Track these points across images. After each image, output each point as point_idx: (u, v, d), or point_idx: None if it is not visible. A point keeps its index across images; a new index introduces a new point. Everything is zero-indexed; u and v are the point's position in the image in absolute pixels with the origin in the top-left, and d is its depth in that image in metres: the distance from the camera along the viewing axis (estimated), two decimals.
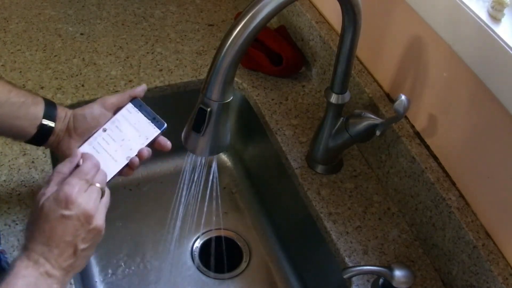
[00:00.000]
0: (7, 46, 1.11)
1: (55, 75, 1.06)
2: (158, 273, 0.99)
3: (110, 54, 1.12)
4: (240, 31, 0.61)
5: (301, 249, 1.01)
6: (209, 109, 0.66)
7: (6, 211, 0.83)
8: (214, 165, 0.80)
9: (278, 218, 1.07)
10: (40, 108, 0.75)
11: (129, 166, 0.75)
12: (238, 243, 1.05)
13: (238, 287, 1.00)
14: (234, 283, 1.00)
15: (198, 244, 1.04)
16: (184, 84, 1.08)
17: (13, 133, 0.76)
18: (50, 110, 0.76)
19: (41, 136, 0.75)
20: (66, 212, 0.62)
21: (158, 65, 1.10)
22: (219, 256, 1.00)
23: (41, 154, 0.91)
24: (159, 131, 0.77)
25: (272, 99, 1.06)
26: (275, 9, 0.62)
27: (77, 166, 0.69)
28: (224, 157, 1.18)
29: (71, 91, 1.03)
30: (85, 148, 0.75)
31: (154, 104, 1.10)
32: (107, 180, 0.72)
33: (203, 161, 0.76)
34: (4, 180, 0.87)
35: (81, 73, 1.07)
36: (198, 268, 1.01)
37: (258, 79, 1.10)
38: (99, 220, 0.65)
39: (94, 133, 0.76)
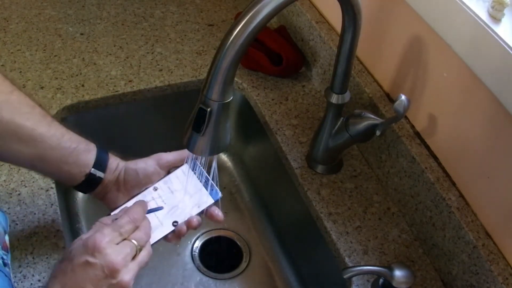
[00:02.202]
0: (7, 46, 1.11)
1: (55, 75, 1.06)
2: (158, 273, 0.99)
3: (110, 54, 1.12)
4: (240, 31, 0.61)
5: (301, 249, 1.01)
6: (209, 109, 0.66)
7: (6, 211, 0.83)
8: (214, 165, 0.80)
9: (278, 218, 1.07)
10: (91, 156, 0.72)
11: (175, 234, 0.71)
12: (238, 243, 1.05)
13: (238, 287, 1.00)
14: (234, 283, 1.00)
15: (198, 244, 1.04)
16: (184, 84, 1.08)
17: (60, 178, 0.73)
18: (102, 159, 0.73)
19: (89, 185, 0.73)
20: (91, 259, 0.60)
21: (158, 65, 1.10)
22: (219, 256, 1.00)
23: None
24: (213, 201, 0.72)
25: (272, 99, 1.06)
26: (275, 9, 0.62)
27: None
28: (224, 157, 1.18)
29: (71, 91, 1.03)
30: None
31: (154, 104, 1.11)
32: (150, 243, 0.67)
33: (203, 161, 0.76)
34: (4, 180, 0.87)
35: (81, 73, 1.07)
36: (198, 268, 1.01)
37: (258, 79, 1.10)
38: (126, 276, 0.61)
39: (144, 190, 0.72)
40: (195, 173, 0.73)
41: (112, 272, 0.60)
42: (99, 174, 0.73)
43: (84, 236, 0.63)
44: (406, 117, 0.88)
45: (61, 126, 0.72)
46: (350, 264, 0.82)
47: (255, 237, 1.06)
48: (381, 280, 0.77)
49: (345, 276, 0.75)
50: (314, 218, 0.90)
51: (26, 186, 0.87)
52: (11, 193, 0.86)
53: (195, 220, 0.72)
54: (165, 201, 0.72)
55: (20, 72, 1.06)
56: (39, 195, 0.86)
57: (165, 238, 0.72)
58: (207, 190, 0.72)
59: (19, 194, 0.86)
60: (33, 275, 0.76)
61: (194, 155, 0.73)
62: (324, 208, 0.89)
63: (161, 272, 1.00)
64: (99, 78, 1.06)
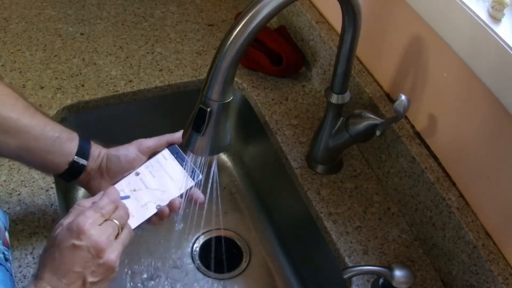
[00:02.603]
0: (7, 46, 1.11)
1: (55, 75, 1.06)
2: (158, 273, 0.99)
3: (110, 54, 1.12)
4: (240, 31, 0.61)
5: (301, 249, 1.01)
6: (209, 109, 0.66)
7: (6, 211, 0.83)
8: (214, 165, 0.79)
9: (278, 218, 1.07)
10: (74, 145, 0.74)
11: (158, 216, 0.73)
12: (238, 243, 1.05)
13: (238, 287, 1.00)
14: (234, 283, 1.00)
15: (198, 244, 1.04)
16: (184, 84, 1.08)
17: (44, 167, 0.75)
18: (85, 147, 0.75)
19: (73, 173, 0.75)
20: (77, 242, 0.61)
21: (158, 65, 1.10)
22: (219, 256, 1.00)
23: None
24: (193, 183, 0.74)
25: (272, 99, 1.06)
26: (275, 9, 0.62)
27: None
28: (224, 157, 1.18)
29: (71, 91, 1.03)
30: None
31: (154, 104, 1.11)
32: (134, 226, 0.70)
33: (203, 161, 0.76)
34: (4, 180, 0.87)
35: (81, 73, 1.07)
36: (198, 268, 1.01)
37: (258, 79, 1.10)
38: (111, 255, 0.63)
39: (126, 175, 0.74)
40: (175, 157, 0.76)
41: (98, 252, 0.62)
42: (82, 162, 0.74)
43: (64, 221, 0.64)
44: (406, 117, 0.88)
45: (44, 117, 0.74)
46: (350, 264, 0.82)
47: (255, 237, 1.06)
48: (381, 280, 0.77)
49: (345, 276, 0.75)
50: (314, 218, 0.90)
51: (26, 186, 0.87)
52: (11, 193, 0.86)
53: (177, 202, 0.74)
54: (148, 185, 0.73)
55: (20, 72, 1.06)
56: (39, 195, 0.86)
57: (149, 221, 0.74)
58: (187, 172, 0.74)
59: (19, 194, 0.86)
60: (33, 275, 0.76)
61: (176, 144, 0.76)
62: (324, 208, 0.89)
63: (161, 272, 1.00)
64: (99, 78, 1.06)
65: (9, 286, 0.68)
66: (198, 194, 0.76)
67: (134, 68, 1.09)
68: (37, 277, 0.62)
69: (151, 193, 0.73)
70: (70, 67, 1.08)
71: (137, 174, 0.74)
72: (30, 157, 0.73)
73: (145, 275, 0.99)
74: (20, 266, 0.77)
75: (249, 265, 1.03)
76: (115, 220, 0.66)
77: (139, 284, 0.98)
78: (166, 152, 0.76)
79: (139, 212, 0.72)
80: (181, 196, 0.74)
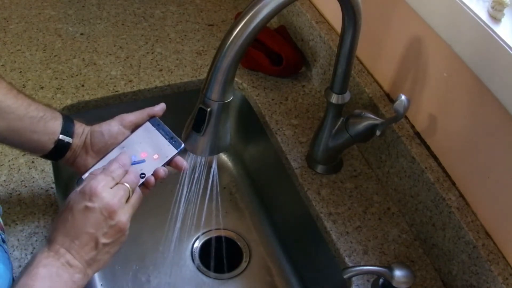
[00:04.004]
0: (7, 46, 1.11)
1: (55, 75, 1.06)
2: (158, 273, 0.99)
3: (110, 54, 1.12)
4: (240, 31, 0.61)
5: (301, 249, 1.01)
6: (209, 109, 0.66)
7: (6, 211, 0.83)
8: (214, 165, 0.80)
9: (278, 218, 1.07)
10: (58, 123, 0.75)
11: (144, 185, 0.74)
12: (238, 243, 1.05)
13: (238, 287, 1.00)
14: (234, 283, 1.00)
15: (198, 244, 1.04)
16: (184, 84, 1.08)
17: (30, 147, 0.76)
18: (68, 125, 0.76)
19: (58, 151, 0.76)
20: (89, 204, 0.63)
21: (158, 65, 1.10)
22: (219, 256, 1.00)
23: None
24: (176, 151, 0.76)
25: (272, 99, 1.06)
26: (275, 9, 0.62)
27: None
28: (224, 157, 1.18)
29: (71, 91, 1.03)
30: (101, 165, 0.74)
31: (154, 104, 1.10)
32: None
33: (203, 161, 0.76)
34: (4, 180, 0.87)
35: (81, 73, 1.07)
36: (198, 268, 1.01)
37: (258, 79, 1.10)
38: (123, 217, 0.65)
39: (111, 150, 0.75)
40: (157, 129, 0.78)
41: (110, 213, 0.63)
42: (67, 139, 0.75)
43: (78, 188, 0.65)
44: (406, 117, 0.88)
45: (27, 97, 0.75)
46: (350, 264, 0.82)
47: (255, 237, 1.06)
48: (381, 280, 0.77)
49: (345, 276, 0.76)
50: (314, 218, 0.90)
51: (26, 186, 0.87)
52: (11, 193, 0.86)
53: (162, 171, 0.75)
54: (132, 157, 0.75)
55: (20, 72, 1.06)
56: (39, 195, 0.86)
57: None
58: (169, 142, 0.76)
59: (19, 194, 0.86)
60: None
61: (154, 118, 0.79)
62: (324, 208, 0.89)
63: (161, 272, 1.00)
64: (99, 78, 1.06)
65: (8, 266, 0.68)
66: (182, 161, 0.78)
67: (134, 68, 1.09)
68: (50, 240, 0.63)
69: (136, 164, 0.75)
70: (70, 67, 1.08)
71: (121, 148, 0.76)
72: (16, 138, 0.74)
73: (145, 275, 0.99)
74: (20, 266, 0.77)
75: (249, 265, 1.03)
76: (126, 184, 0.67)
77: (139, 284, 0.98)
78: (147, 125, 0.78)
79: None
80: (165, 164, 0.76)
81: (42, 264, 0.61)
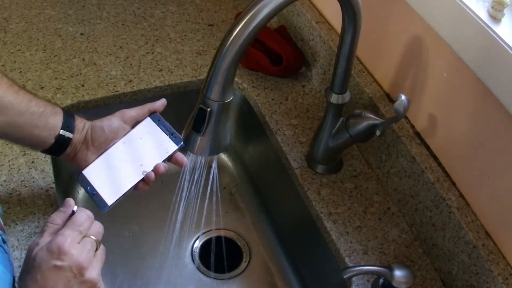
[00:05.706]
0: (7, 46, 1.11)
1: (55, 75, 1.06)
2: (158, 273, 0.99)
3: (110, 54, 1.12)
4: (240, 31, 0.61)
5: (301, 249, 1.01)
6: (209, 109, 0.66)
7: (6, 211, 0.83)
8: (214, 165, 0.79)
9: (278, 218, 1.07)
10: (59, 119, 0.75)
11: (144, 181, 0.75)
12: (238, 243, 1.05)
13: (238, 287, 1.00)
14: (234, 283, 1.00)
15: (198, 244, 1.04)
16: (184, 84, 1.08)
17: (31, 142, 0.76)
18: (69, 121, 0.76)
19: (59, 147, 0.76)
20: (59, 263, 0.61)
21: (158, 65, 1.10)
22: (219, 256, 1.00)
23: (41, 154, 0.91)
24: (176, 147, 0.77)
25: (272, 99, 1.06)
26: (275, 9, 0.62)
27: (72, 214, 0.67)
28: (224, 157, 1.18)
29: (71, 91, 1.03)
30: (102, 160, 0.75)
31: None
32: (122, 193, 0.72)
33: (203, 161, 0.76)
34: (4, 180, 0.87)
35: (81, 73, 1.07)
36: (198, 268, 1.01)
37: (258, 79, 1.10)
38: (93, 272, 0.63)
39: (112, 145, 0.76)
40: (157, 124, 0.78)
41: (80, 270, 0.62)
42: (68, 135, 0.76)
43: (40, 240, 0.64)
44: (406, 117, 0.88)
45: (28, 93, 0.75)
46: (350, 264, 0.82)
47: (255, 237, 1.06)
48: (381, 280, 0.77)
49: (345, 276, 0.76)
50: (314, 218, 0.90)
51: (26, 186, 0.87)
52: (11, 193, 0.86)
53: (162, 167, 0.76)
54: (133, 153, 0.76)
55: (20, 72, 1.06)
56: (39, 195, 0.86)
57: (136, 187, 0.76)
58: (170, 138, 0.77)
59: (19, 194, 0.86)
60: None
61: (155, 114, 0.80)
62: (324, 208, 0.89)
63: (161, 272, 1.00)
64: (99, 78, 1.06)
65: (8, 267, 0.68)
66: (182, 158, 0.78)
67: (134, 68, 1.09)
68: None
69: (136, 160, 0.76)
70: (70, 67, 1.08)
71: (122, 143, 0.76)
72: (17, 133, 0.74)
73: (145, 275, 0.99)
74: (20, 266, 0.76)
75: (249, 265, 1.03)
76: (92, 237, 0.65)
77: (139, 284, 0.98)
78: (148, 120, 0.79)
79: (126, 179, 0.75)
80: (165, 160, 0.77)
81: None
